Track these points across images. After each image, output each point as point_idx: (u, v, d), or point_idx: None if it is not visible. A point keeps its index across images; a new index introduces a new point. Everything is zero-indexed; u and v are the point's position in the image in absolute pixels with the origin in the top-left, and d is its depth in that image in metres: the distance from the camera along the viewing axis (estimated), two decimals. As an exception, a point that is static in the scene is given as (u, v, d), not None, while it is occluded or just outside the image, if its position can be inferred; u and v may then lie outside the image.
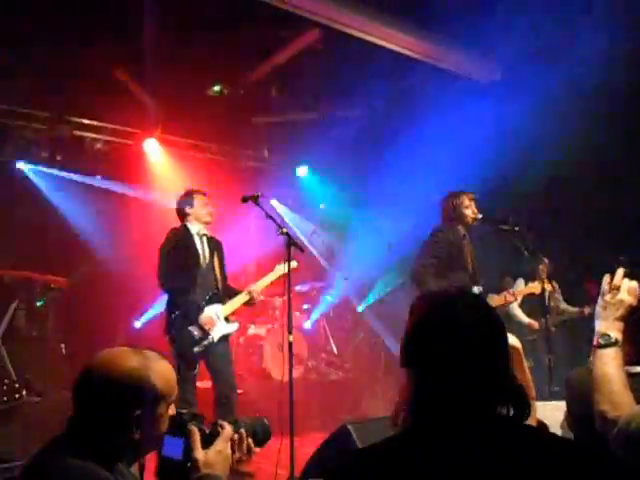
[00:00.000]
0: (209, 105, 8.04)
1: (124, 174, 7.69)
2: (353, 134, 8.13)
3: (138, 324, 7.43)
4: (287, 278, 3.95)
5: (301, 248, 3.94)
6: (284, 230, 3.95)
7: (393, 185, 7.95)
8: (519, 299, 6.38)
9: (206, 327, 4.66)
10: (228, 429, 1.67)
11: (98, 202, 7.33)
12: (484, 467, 1.27)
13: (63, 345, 6.42)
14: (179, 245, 4.82)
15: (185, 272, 4.76)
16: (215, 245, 5.03)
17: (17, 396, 4.82)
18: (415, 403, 1.42)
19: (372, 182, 8.32)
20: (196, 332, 4.63)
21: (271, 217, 4.09)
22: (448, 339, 1.37)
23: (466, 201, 5.03)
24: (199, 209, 4.88)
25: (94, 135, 7.63)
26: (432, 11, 6.72)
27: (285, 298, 7.03)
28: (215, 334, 4.70)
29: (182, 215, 4.93)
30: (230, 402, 4.65)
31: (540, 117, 6.72)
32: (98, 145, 7.69)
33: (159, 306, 7.06)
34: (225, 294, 4.93)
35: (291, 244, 3.88)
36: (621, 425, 1.70)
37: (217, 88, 7.91)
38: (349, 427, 2.93)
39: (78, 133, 7.49)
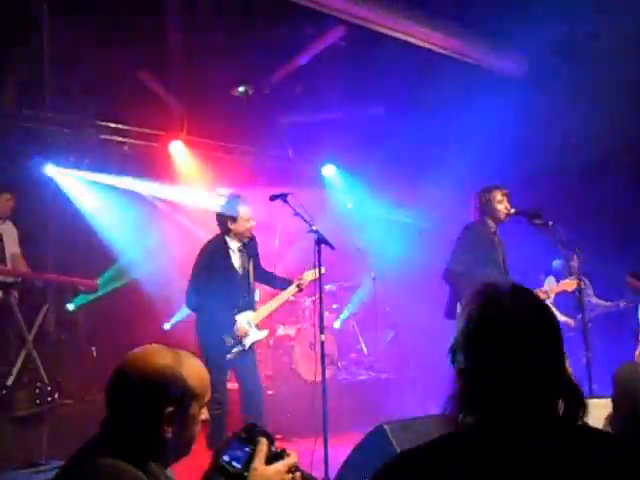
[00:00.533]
0: (233, 106, 8.04)
1: (151, 176, 7.70)
2: (379, 132, 8.08)
3: (167, 326, 7.44)
4: (318, 277, 3.87)
5: (331, 245, 3.87)
6: (314, 227, 3.89)
7: (422, 183, 7.86)
8: (552, 296, 6.27)
9: (240, 336, 4.64)
10: (294, 458, 1.63)
11: (126, 205, 7.35)
12: (541, 469, 1.21)
13: (94, 348, 6.45)
14: (213, 260, 4.74)
15: (220, 284, 4.68)
16: (250, 249, 4.94)
17: (49, 399, 4.84)
18: (467, 402, 1.35)
19: (400, 180, 8.25)
20: (228, 340, 4.61)
21: (300, 215, 4.04)
22: (502, 335, 1.31)
23: (499, 196, 4.91)
24: (241, 225, 4.74)
25: (120, 138, 7.66)
26: (458, 6, 6.66)
27: (314, 298, 7.08)
28: (247, 342, 4.68)
29: (223, 226, 4.83)
30: (255, 401, 4.64)
31: (571, 108, 6.61)
32: (125, 148, 7.71)
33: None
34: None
35: (321, 241, 3.81)
36: None
37: (242, 89, 7.89)
38: (385, 427, 2.88)
39: (105, 137, 7.53)
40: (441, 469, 1.25)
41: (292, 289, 4.89)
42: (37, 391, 4.76)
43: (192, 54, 7.39)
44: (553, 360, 1.32)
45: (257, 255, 5.03)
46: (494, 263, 4.92)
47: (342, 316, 7.74)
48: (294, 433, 5.83)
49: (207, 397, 1.68)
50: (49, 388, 4.86)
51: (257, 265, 5.03)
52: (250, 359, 4.76)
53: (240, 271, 4.87)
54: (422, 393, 7.34)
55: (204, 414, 1.69)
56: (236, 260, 4.88)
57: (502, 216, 4.91)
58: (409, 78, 7.48)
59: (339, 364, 7.26)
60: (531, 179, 6.68)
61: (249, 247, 4.93)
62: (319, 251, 3.83)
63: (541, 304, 1.37)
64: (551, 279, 6.28)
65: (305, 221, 3.98)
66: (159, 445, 1.60)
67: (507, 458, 1.23)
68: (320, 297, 3.87)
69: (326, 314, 7.50)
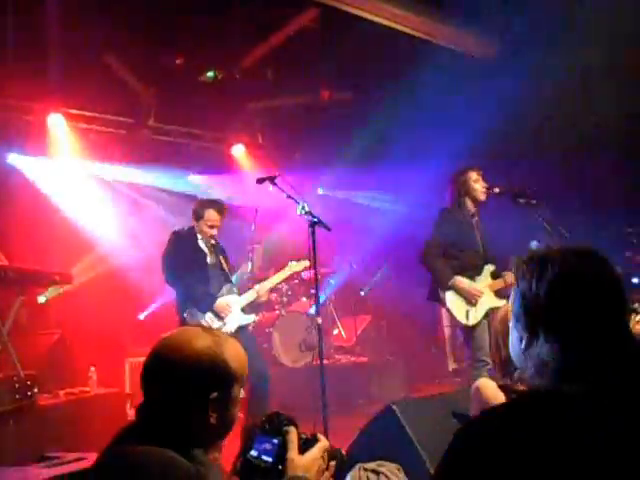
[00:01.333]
0: (203, 91, 7.88)
1: (119, 162, 7.51)
2: (351, 117, 8.03)
3: (142, 316, 7.30)
4: (313, 262, 3.80)
5: (327, 227, 3.82)
6: (307, 209, 3.83)
7: (395, 169, 7.86)
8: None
9: (222, 314, 4.59)
10: (325, 441, 1.58)
11: (96, 193, 7.18)
12: (627, 434, 1.15)
13: (67, 340, 6.27)
14: (185, 246, 4.83)
15: (194, 268, 4.75)
16: (220, 250, 5.06)
17: (29, 394, 4.68)
18: (544, 367, 1.30)
19: (372, 166, 8.23)
20: (212, 321, 4.56)
21: (292, 197, 3.97)
22: (578, 295, 1.28)
23: (474, 175, 4.92)
24: (203, 226, 4.87)
25: (86, 125, 7.44)
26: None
27: (292, 284, 7.03)
28: (232, 323, 4.63)
29: (194, 218, 4.94)
30: (260, 392, 4.59)
31: (541, 91, 6.68)
32: (91, 135, 7.49)
33: (165, 297, 6.96)
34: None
35: (315, 223, 3.75)
36: None
37: (211, 74, 7.73)
38: (394, 407, 2.85)
39: (71, 123, 7.30)
40: (521, 432, 1.18)
41: (251, 295, 4.95)
42: (16, 386, 4.59)
43: (158, 39, 7.19)
44: (626, 321, 1.31)
45: (229, 261, 5.11)
46: (471, 247, 4.94)
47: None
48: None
49: (246, 376, 1.63)
50: (28, 382, 4.69)
51: (230, 268, 5.08)
52: (244, 341, 4.66)
53: (211, 259, 4.94)
54: (401, 376, 7.41)
55: (242, 392, 1.64)
56: (206, 249, 4.94)
57: (480, 195, 4.92)
58: (379, 62, 7.44)
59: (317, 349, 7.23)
60: (502, 163, 6.74)
61: (217, 247, 5.04)
62: (313, 233, 3.76)
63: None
64: None
65: (297, 202, 3.92)
66: (204, 430, 1.54)
67: (591, 421, 1.16)
68: (316, 282, 3.81)
69: (303, 299, 7.50)
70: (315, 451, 1.55)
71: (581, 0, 6.02)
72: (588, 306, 1.27)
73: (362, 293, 8.27)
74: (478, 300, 4.74)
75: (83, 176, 7.29)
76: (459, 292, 4.75)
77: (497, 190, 4.88)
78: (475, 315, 4.73)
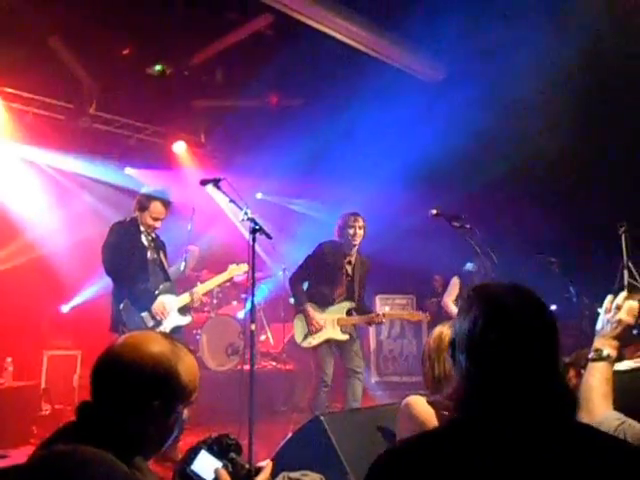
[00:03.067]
0: (149, 85, 7.74)
1: (56, 149, 7.27)
2: (297, 124, 8.07)
3: (66, 308, 7.07)
4: (251, 269, 3.80)
5: (269, 235, 3.83)
6: (250, 215, 3.83)
7: (335, 178, 7.95)
8: (454, 296, 6.55)
9: (158, 316, 4.51)
10: (268, 470, 1.59)
11: (27, 178, 6.92)
12: (533, 463, 1.25)
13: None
14: (125, 238, 4.73)
15: (135, 262, 4.67)
16: (160, 245, 5.01)
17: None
18: (462, 395, 1.39)
19: (312, 174, 8.30)
20: (148, 320, 4.48)
21: (234, 201, 3.96)
22: (497, 331, 1.35)
23: (350, 221, 5.34)
24: (147, 218, 4.78)
25: (23, 107, 7.18)
26: (383, 7, 6.77)
27: (223, 287, 6.98)
28: (167, 324, 4.57)
29: (138, 209, 4.83)
30: None
31: (485, 114, 6.92)
32: (27, 117, 7.23)
33: (90, 291, 6.79)
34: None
35: (257, 230, 3.75)
36: None
37: (159, 67, 7.59)
38: (322, 418, 2.88)
39: (6, 103, 7.03)
40: (436, 459, 1.26)
41: (185, 298, 4.94)
42: None
43: (107, 27, 7.03)
44: (552, 359, 1.38)
45: (166, 256, 5.06)
46: (330, 282, 5.40)
47: (248, 306, 7.68)
48: (204, 422, 5.75)
49: (194, 397, 1.60)
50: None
51: (168, 265, 5.03)
52: None
53: (152, 255, 4.86)
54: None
55: (186, 412, 1.61)
56: (147, 244, 4.84)
57: (353, 240, 5.35)
58: (332, 73, 7.52)
59: (245, 355, 7.20)
60: (437, 185, 6.95)
61: (157, 242, 4.98)
62: (253, 240, 3.76)
63: (543, 304, 1.42)
64: (455, 280, 6.57)
65: (240, 208, 3.91)
66: (142, 437, 1.51)
67: (500, 449, 1.26)
68: (252, 287, 3.81)
69: (234, 303, 7.46)
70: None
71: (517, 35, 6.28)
72: (507, 343, 1.33)
73: (291, 300, 8.29)
74: (314, 331, 5.25)
75: (15, 159, 7.02)
76: (304, 317, 5.29)
77: (433, 212, 5.03)
78: (310, 340, 5.30)
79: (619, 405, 2.07)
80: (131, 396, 1.48)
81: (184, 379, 1.54)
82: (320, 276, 5.35)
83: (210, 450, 1.54)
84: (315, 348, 5.27)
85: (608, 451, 1.30)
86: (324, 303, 5.35)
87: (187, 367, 1.57)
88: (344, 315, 5.37)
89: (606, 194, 6.98)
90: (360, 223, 5.37)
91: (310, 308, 5.26)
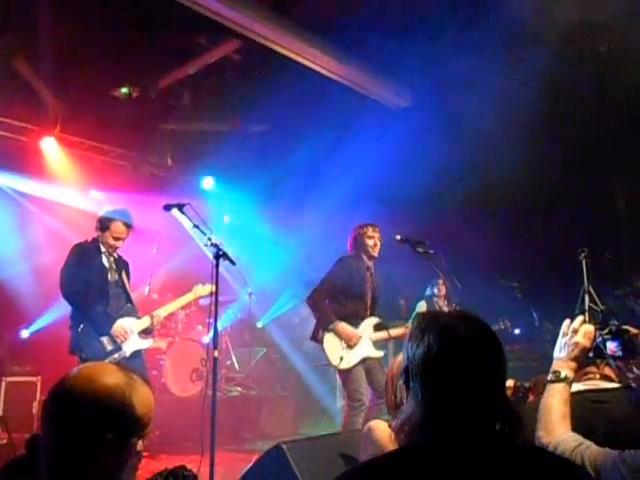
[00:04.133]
0: (114, 107, 7.71)
1: (19, 172, 7.16)
2: (263, 149, 8.11)
3: (26, 334, 6.91)
4: (215, 294, 3.78)
5: (232, 261, 3.81)
6: (213, 241, 3.82)
7: (299, 203, 7.99)
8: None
9: (118, 339, 4.44)
10: None
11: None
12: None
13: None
14: (86, 260, 4.67)
15: (95, 283, 4.59)
16: (123, 265, 4.93)
17: None
18: (415, 420, 1.40)
19: (279, 198, 8.33)
20: (107, 344, 4.40)
21: (198, 227, 3.95)
22: (451, 359, 1.38)
23: (369, 231, 5.19)
24: (108, 238, 4.73)
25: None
26: (350, 35, 6.87)
27: (188, 311, 6.92)
28: (127, 348, 4.51)
29: (99, 228, 4.78)
30: None
31: (449, 142, 7.05)
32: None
33: (51, 315, 6.65)
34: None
35: (220, 256, 3.74)
36: (550, 450, 1.83)
37: (125, 90, 7.57)
38: (283, 447, 2.86)
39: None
40: None
41: (145, 322, 4.86)
42: None
43: (73, 48, 6.99)
44: (496, 382, 1.41)
45: (130, 278, 4.99)
46: (359, 298, 5.15)
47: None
48: (166, 449, 5.67)
49: (148, 429, 1.56)
50: None
51: (129, 287, 4.95)
52: (137, 366, 4.54)
53: (112, 276, 4.79)
54: (292, 410, 7.41)
55: (140, 445, 1.58)
56: (109, 264, 4.79)
57: (373, 252, 5.19)
58: (297, 98, 7.58)
59: (209, 380, 7.11)
60: (409, 209, 7.02)
61: (119, 262, 4.90)
62: (217, 265, 3.74)
63: (492, 332, 1.46)
64: (422, 304, 6.63)
65: (203, 233, 3.89)
66: (93, 473, 1.46)
67: (450, 471, 1.29)
68: (215, 314, 3.78)
69: (199, 327, 7.38)
70: None
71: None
72: (460, 369, 1.36)
73: (259, 325, 8.26)
74: (356, 345, 4.92)
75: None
76: (339, 335, 4.93)
77: (398, 237, 5.08)
78: (348, 360, 4.92)
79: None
80: (84, 429, 1.44)
81: (139, 411, 1.51)
82: (348, 292, 5.05)
83: None
84: (350, 369, 4.87)
85: (554, 473, 1.34)
86: (356, 321, 5.04)
87: (142, 399, 1.53)
88: (373, 331, 5.09)
89: (566, 219, 7.13)
90: (379, 234, 5.20)
91: (343, 323, 4.93)
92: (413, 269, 5.81)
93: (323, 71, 7.17)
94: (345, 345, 4.91)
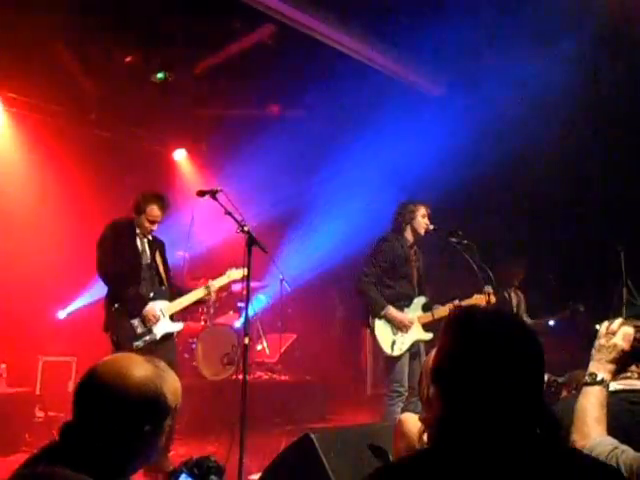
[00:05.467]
0: (150, 92, 7.76)
1: (56, 155, 7.25)
2: (296, 135, 8.09)
3: (63, 314, 7.04)
4: (246, 279, 3.79)
5: (264, 248, 3.82)
6: (245, 228, 3.82)
7: (335, 189, 7.97)
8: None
9: (149, 322, 4.50)
10: None
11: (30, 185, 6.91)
12: None
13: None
14: (120, 240, 4.69)
15: (128, 265, 4.62)
16: (157, 246, 4.93)
17: None
18: (446, 421, 1.37)
19: (312, 184, 8.31)
20: (138, 326, 4.46)
21: (231, 214, 3.96)
22: (486, 360, 1.34)
23: (422, 210, 5.08)
24: (143, 220, 4.73)
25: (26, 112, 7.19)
26: (386, 23, 6.78)
27: (221, 295, 6.96)
28: (158, 331, 4.55)
29: (135, 211, 4.77)
30: None
31: (484, 132, 6.94)
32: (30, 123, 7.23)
33: (88, 296, 6.77)
34: (171, 292, 4.82)
35: (253, 243, 3.75)
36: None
37: (161, 75, 7.61)
38: (312, 437, 2.86)
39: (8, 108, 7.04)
40: None
41: (199, 292, 4.88)
42: None
43: (111, 35, 7.04)
44: (534, 385, 1.37)
45: (166, 258, 4.99)
46: (405, 278, 5.06)
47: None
48: (197, 433, 5.75)
49: (178, 408, 1.61)
50: None
51: (166, 266, 4.97)
52: (166, 349, 4.62)
53: (146, 259, 4.81)
54: (321, 396, 7.44)
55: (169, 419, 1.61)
56: (142, 246, 4.82)
57: (422, 231, 5.07)
58: (332, 84, 7.53)
59: (240, 364, 7.18)
60: (437, 199, 6.95)
61: (154, 244, 4.90)
62: (249, 253, 3.75)
63: (530, 331, 1.41)
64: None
65: (236, 221, 3.90)
66: (128, 460, 1.51)
67: (482, 475, 1.26)
68: (247, 299, 3.80)
69: (230, 313, 7.44)
70: None
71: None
72: (493, 371, 1.32)
73: (289, 310, 8.29)
74: (408, 330, 4.86)
75: (14, 162, 7.01)
76: (390, 321, 4.86)
77: (431, 227, 5.03)
78: (400, 346, 4.86)
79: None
80: (119, 424, 1.47)
81: (170, 399, 1.55)
82: (394, 273, 4.96)
83: (191, 473, 1.54)
84: (400, 357, 4.81)
85: (590, 477, 1.30)
86: (406, 302, 4.97)
87: (171, 387, 1.57)
88: (421, 312, 5.01)
89: (604, 213, 6.97)
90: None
91: (393, 309, 4.85)
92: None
93: (357, 56, 7.12)
94: (397, 330, 4.86)
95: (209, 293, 4.84)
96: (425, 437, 2.47)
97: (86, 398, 1.50)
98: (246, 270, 3.88)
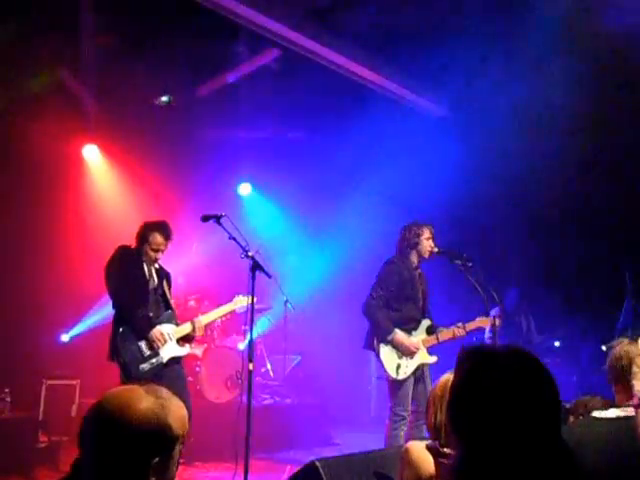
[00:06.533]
0: (154, 114, 7.82)
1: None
2: (301, 157, 8.13)
3: (66, 337, 7.02)
4: (250, 306, 3.79)
5: (268, 274, 3.82)
6: (250, 253, 3.83)
7: (338, 210, 7.99)
8: (465, 333, 6.49)
9: (156, 344, 4.49)
10: None
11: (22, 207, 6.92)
12: None
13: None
14: (128, 264, 4.70)
15: (136, 287, 4.64)
16: (164, 275, 4.95)
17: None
18: (466, 461, 1.35)
19: (317, 205, 8.33)
20: (145, 348, 4.45)
21: (235, 239, 3.96)
22: (497, 399, 1.32)
23: (427, 233, 5.08)
24: (148, 249, 4.73)
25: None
26: (389, 44, 6.84)
27: (225, 319, 6.94)
28: (165, 354, 4.54)
29: (138, 241, 4.78)
30: None
31: (486, 152, 6.97)
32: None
33: (91, 319, 6.76)
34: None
35: (256, 268, 3.75)
36: None
37: (165, 98, 7.67)
38: (317, 464, 2.84)
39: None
40: None
41: (186, 328, 4.86)
42: None
43: (114, 57, 7.11)
44: (555, 425, 1.35)
45: (170, 288, 5.01)
46: (411, 300, 5.06)
47: (249, 338, 7.62)
48: (201, 457, 5.72)
49: (186, 434, 1.59)
50: None
51: (170, 296, 4.99)
52: (175, 373, 4.64)
53: (153, 283, 4.83)
54: (326, 420, 7.39)
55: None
56: (149, 272, 4.83)
57: (427, 254, 5.08)
58: (335, 106, 7.60)
59: (243, 387, 7.14)
60: (448, 217, 6.95)
61: (160, 272, 4.92)
62: (253, 278, 3.76)
63: (545, 371, 1.39)
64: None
65: (240, 246, 3.91)
66: None
67: None
68: (251, 325, 3.79)
69: (234, 336, 7.42)
70: None
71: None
72: (501, 413, 1.30)
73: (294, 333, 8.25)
74: (414, 355, 4.86)
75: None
76: (396, 346, 4.85)
77: (436, 250, 5.03)
78: (405, 370, 4.85)
79: (604, 451, 2.04)
80: (126, 458, 1.45)
81: (176, 428, 1.53)
82: (401, 296, 4.97)
83: None
84: (404, 381, 4.81)
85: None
86: (412, 325, 4.97)
87: (177, 417, 1.54)
88: (426, 335, 5.00)
89: (611, 231, 6.96)
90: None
91: (400, 333, 4.84)
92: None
93: (361, 80, 7.17)
94: (402, 355, 4.85)
95: (194, 329, 4.82)
96: (431, 466, 2.45)
97: (90, 432, 1.49)
98: (252, 297, 3.87)
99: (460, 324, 4.97)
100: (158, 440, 1.48)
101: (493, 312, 4.76)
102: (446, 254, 5.00)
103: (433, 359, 4.96)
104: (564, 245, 7.28)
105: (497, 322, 4.77)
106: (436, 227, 5.27)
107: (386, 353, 4.86)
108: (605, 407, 2.59)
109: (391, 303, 4.97)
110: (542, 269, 7.27)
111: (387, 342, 4.85)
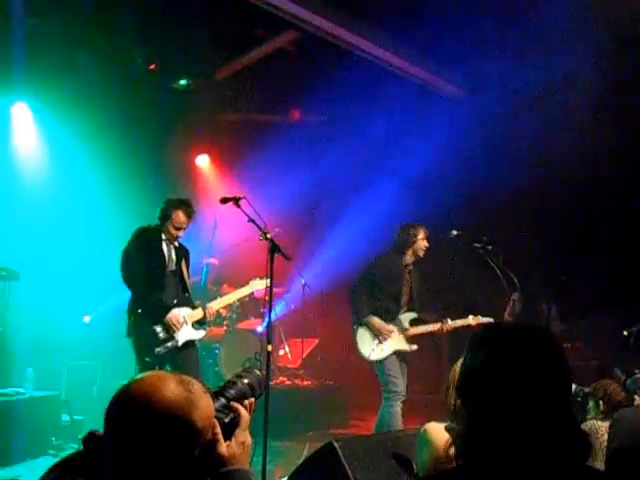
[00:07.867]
0: (173, 98, 7.83)
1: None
2: (315, 139, 8.12)
3: (87, 319, 7.11)
4: (269, 285, 3.80)
5: (286, 255, 3.83)
6: (268, 235, 3.84)
7: (355, 194, 7.97)
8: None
9: (172, 328, 4.52)
10: (246, 416, 1.56)
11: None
12: None
13: (5, 339, 6.08)
14: (146, 246, 4.70)
15: (153, 272, 4.65)
16: (183, 253, 4.94)
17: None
18: (474, 437, 1.36)
19: (333, 188, 8.32)
20: (160, 332, 4.48)
21: (254, 221, 3.97)
22: (511, 376, 1.33)
23: (422, 234, 5.22)
24: (169, 227, 4.73)
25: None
26: (409, 27, 6.77)
27: (244, 300, 6.97)
28: (180, 337, 4.56)
29: (160, 218, 4.78)
30: None
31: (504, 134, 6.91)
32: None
33: (113, 301, 6.82)
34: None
35: (275, 250, 3.76)
36: None
37: (183, 82, 7.68)
38: (335, 445, 2.86)
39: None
40: None
41: (198, 313, 4.85)
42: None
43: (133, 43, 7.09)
44: (565, 402, 1.36)
45: (189, 267, 5.02)
46: (392, 296, 5.22)
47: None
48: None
49: (211, 429, 1.52)
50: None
51: (189, 276, 5.00)
52: (189, 356, 4.67)
53: (171, 266, 4.83)
54: (344, 401, 7.43)
55: None
56: (168, 253, 4.83)
57: (422, 253, 5.25)
58: (354, 89, 7.55)
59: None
60: (466, 204, 6.91)
61: (180, 251, 4.91)
62: (271, 260, 3.76)
63: (556, 345, 1.39)
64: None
65: (259, 228, 3.92)
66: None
67: None
68: (269, 307, 3.81)
69: (252, 319, 7.46)
70: (239, 434, 1.54)
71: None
72: (518, 389, 1.31)
73: (312, 315, 8.28)
74: (387, 339, 5.04)
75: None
76: (370, 328, 5.06)
77: (454, 233, 5.01)
78: (379, 353, 5.03)
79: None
80: (146, 447, 1.43)
81: (199, 424, 1.46)
82: (385, 289, 5.18)
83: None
84: (383, 360, 5.02)
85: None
86: (390, 316, 5.16)
87: (202, 413, 1.48)
88: (408, 326, 5.20)
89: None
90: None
91: (376, 318, 5.06)
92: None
93: (379, 62, 7.11)
94: (376, 338, 5.04)
95: (205, 316, 4.81)
96: (452, 449, 2.46)
97: (115, 417, 1.47)
98: (269, 281, 3.89)
99: (447, 321, 5.13)
100: (178, 433, 1.44)
101: (514, 296, 4.72)
102: (465, 237, 4.98)
103: (412, 347, 5.16)
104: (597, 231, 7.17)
105: (517, 306, 4.75)
106: (454, 210, 5.28)
107: (361, 334, 5.12)
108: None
109: (374, 292, 5.18)
110: (566, 254, 7.19)
111: (362, 324, 5.08)
